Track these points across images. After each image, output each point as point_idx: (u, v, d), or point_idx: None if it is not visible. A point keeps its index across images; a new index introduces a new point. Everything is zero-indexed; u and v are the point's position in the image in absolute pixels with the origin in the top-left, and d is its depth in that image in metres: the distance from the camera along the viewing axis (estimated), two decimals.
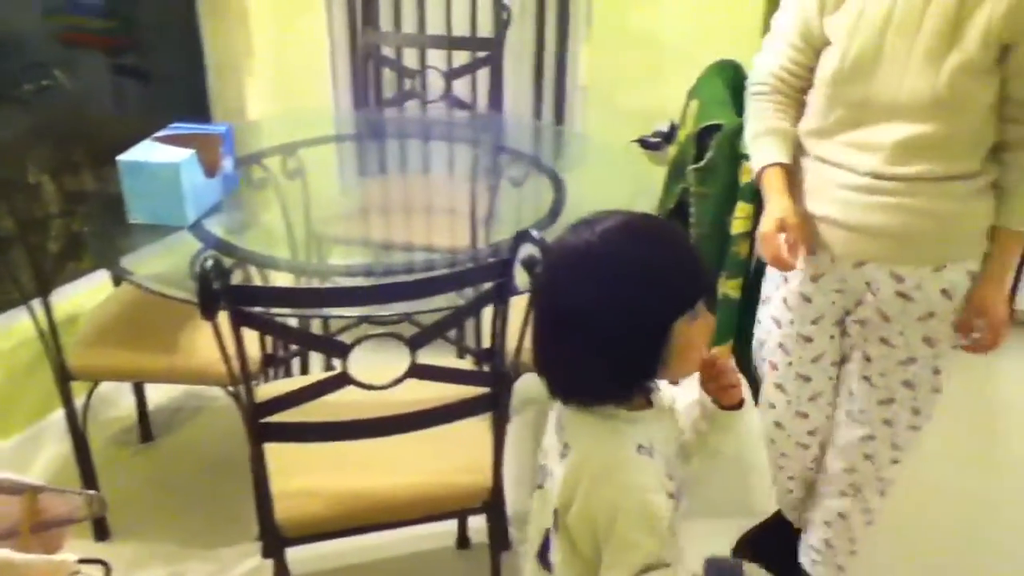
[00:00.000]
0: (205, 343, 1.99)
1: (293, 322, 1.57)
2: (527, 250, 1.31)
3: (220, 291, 1.27)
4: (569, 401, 1.12)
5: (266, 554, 2.12)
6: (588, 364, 1.05)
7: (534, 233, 1.29)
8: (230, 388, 1.96)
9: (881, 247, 1.54)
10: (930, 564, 2.13)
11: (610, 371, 1.05)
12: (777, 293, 1.69)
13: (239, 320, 1.33)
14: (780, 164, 1.60)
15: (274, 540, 1.59)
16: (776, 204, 1.58)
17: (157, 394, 2.62)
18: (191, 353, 1.99)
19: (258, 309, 1.38)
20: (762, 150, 1.63)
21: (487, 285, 1.39)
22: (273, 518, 1.56)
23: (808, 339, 1.67)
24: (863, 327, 1.63)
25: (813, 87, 1.59)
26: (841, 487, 1.79)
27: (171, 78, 3.26)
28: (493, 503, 1.67)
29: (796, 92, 1.63)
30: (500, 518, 1.76)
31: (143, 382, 2.41)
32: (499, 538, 1.77)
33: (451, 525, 2.14)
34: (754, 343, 1.82)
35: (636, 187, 2.31)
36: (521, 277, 1.35)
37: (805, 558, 1.91)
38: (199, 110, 3.10)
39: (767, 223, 1.58)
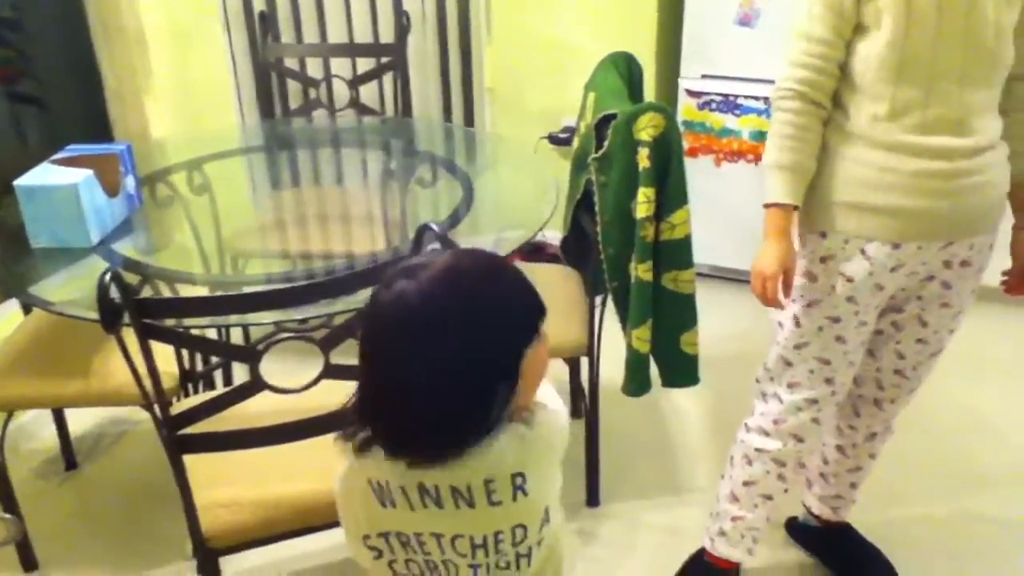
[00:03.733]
0: (120, 365, 1.96)
1: (213, 336, 1.57)
2: (430, 243, 1.34)
3: (123, 305, 1.27)
4: (458, 453, 1.05)
5: (201, 571, 2.11)
6: (463, 416, 1.03)
7: (433, 226, 1.32)
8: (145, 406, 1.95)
9: (971, 223, 1.59)
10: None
11: (486, 415, 1.03)
12: (836, 293, 1.65)
13: (146, 333, 1.33)
14: (790, 205, 1.62)
15: (203, 552, 1.59)
16: (779, 248, 1.62)
17: (78, 422, 2.58)
18: (106, 375, 1.97)
19: (169, 322, 1.39)
20: (777, 185, 1.62)
21: None
22: (200, 530, 1.56)
23: (864, 323, 1.68)
24: (922, 301, 1.69)
25: (855, 78, 1.55)
26: (879, 435, 1.93)
27: (69, 104, 3.21)
28: None
29: (823, 95, 1.58)
30: None
31: (59, 408, 2.38)
32: None
33: None
34: (784, 346, 1.76)
35: (545, 181, 2.36)
36: None
37: (840, 510, 2.06)
38: (100, 135, 3.06)
39: (771, 265, 1.62)
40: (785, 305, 1.69)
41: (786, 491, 1.88)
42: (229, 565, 1.66)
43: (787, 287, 1.66)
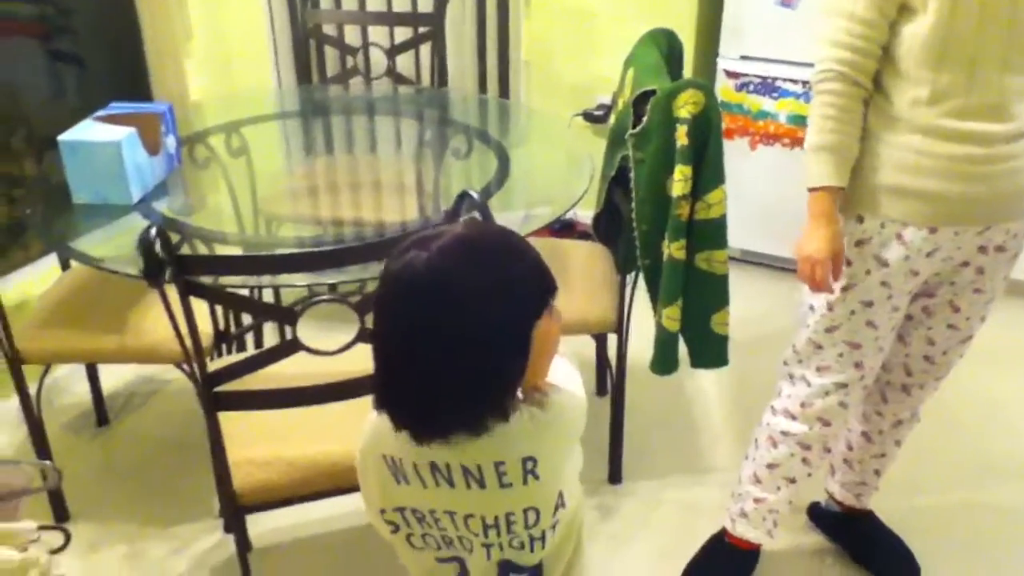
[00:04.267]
0: (156, 321, 2.01)
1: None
2: (468, 210, 1.35)
3: (167, 260, 1.29)
4: (469, 431, 1.04)
5: (228, 529, 2.15)
6: (470, 390, 1.01)
7: (473, 193, 1.32)
8: (184, 366, 1.98)
9: (1009, 208, 1.59)
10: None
11: (493, 390, 1.02)
12: (871, 278, 1.64)
13: (187, 290, 1.35)
14: (836, 188, 1.59)
15: (233, 509, 1.62)
16: (827, 231, 1.60)
17: (111, 379, 2.62)
18: (142, 332, 2.00)
19: (206, 279, 1.41)
20: (821, 167, 1.59)
21: None
22: (231, 487, 1.59)
23: (896, 309, 1.68)
24: (954, 287, 1.69)
25: (898, 62, 1.54)
26: (905, 422, 1.93)
27: (108, 62, 3.23)
28: None
29: (866, 76, 1.56)
30: None
31: (95, 363, 2.41)
32: None
33: None
34: (815, 329, 1.75)
35: (579, 158, 2.36)
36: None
37: (863, 496, 2.06)
38: (138, 94, 3.08)
39: (821, 250, 1.60)
40: (834, 289, 1.66)
41: (810, 475, 1.88)
42: (253, 526, 1.69)
43: (836, 271, 1.63)
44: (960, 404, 2.56)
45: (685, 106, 1.82)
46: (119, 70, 3.24)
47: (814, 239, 1.61)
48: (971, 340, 1.79)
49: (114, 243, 1.90)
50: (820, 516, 2.16)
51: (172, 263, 1.30)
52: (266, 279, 1.79)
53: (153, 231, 1.25)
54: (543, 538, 1.15)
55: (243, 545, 1.72)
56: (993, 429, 2.53)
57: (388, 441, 1.08)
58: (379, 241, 1.39)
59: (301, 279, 1.62)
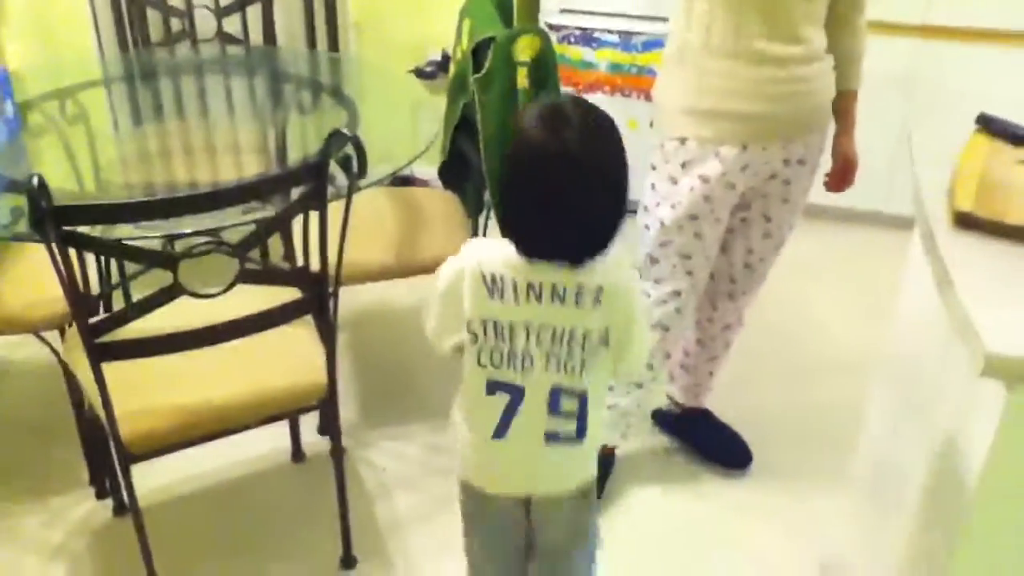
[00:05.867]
0: (8, 291, 1.97)
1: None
2: (341, 151, 1.43)
3: (48, 211, 1.30)
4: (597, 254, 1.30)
5: (101, 495, 2.15)
6: (616, 216, 1.27)
7: (344, 131, 1.41)
8: (40, 334, 1.96)
9: (806, 124, 1.85)
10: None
11: (613, 234, 1.29)
12: (694, 193, 1.85)
13: (67, 241, 1.37)
14: None
15: (121, 460, 1.64)
16: None
17: None
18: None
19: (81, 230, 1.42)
20: None
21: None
22: (119, 438, 1.61)
23: (719, 220, 1.91)
24: (766, 198, 1.94)
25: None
26: (732, 326, 2.19)
27: None
28: (329, 398, 1.80)
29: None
30: (337, 413, 1.88)
31: None
32: (337, 434, 1.90)
33: (285, 443, 2.25)
34: (651, 245, 1.96)
35: (419, 107, 2.46)
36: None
37: (700, 397, 2.33)
38: None
39: None
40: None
41: (654, 379, 2.11)
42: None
43: None
44: (778, 311, 2.88)
45: (524, 50, 1.96)
46: None
47: None
48: (782, 246, 2.06)
49: None
50: (664, 419, 2.40)
51: (51, 214, 1.32)
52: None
53: (35, 181, 1.26)
54: (583, 366, 1.34)
55: (133, 498, 1.72)
56: (807, 331, 2.88)
57: (494, 263, 1.30)
58: (262, 179, 1.45)
59: (158, 231, 1.65)
